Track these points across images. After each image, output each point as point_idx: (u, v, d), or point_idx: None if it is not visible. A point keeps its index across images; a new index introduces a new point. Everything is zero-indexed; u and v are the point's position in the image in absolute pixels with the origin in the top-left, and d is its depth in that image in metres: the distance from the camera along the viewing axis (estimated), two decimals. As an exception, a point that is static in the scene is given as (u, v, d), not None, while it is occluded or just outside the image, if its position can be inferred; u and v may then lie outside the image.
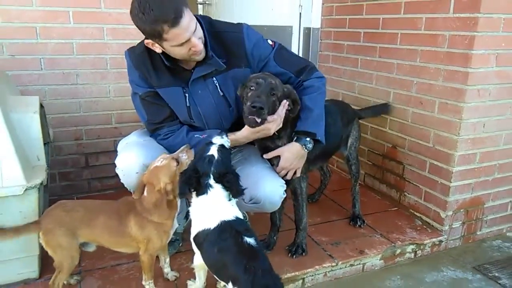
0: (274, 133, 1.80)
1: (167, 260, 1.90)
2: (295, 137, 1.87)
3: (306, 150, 1.86)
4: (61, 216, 1.61)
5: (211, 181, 1.52)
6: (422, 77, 2.37)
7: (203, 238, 1.53)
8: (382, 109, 2.65)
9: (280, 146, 1.87)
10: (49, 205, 1.74)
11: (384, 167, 2.77)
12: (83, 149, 2.71)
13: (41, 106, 2.00)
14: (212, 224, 1.51)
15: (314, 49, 3.29)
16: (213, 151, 1.55)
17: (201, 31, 1.68)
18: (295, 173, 1.93)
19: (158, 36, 1.58)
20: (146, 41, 1.67)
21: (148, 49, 1.74)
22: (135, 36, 2.43)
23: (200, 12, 4.09)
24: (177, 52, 1.64)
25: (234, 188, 1.53)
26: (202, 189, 1.53)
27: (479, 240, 2.53)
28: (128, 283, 1.88)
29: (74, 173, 2.73)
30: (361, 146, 2.91)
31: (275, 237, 2.19)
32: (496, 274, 2.20)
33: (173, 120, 1.89)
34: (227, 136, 1.64)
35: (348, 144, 2.35)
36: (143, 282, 1.76)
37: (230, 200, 1.55)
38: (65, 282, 1.71)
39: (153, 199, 1.60)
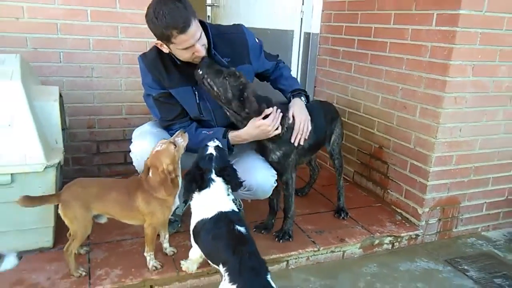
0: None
1: (167, 236, 2.13)
2: (292, 96, 2.18)
3: (304, 102, 2.17)
4: (78, 191, 1.85)
5: (213, 175, 1.75)
6: (407, 83, 2.58)
7: (200, 227, 1.74)
8: None
9: (275, 145, 2.11)
10: (61, 186, 1.98)
11: (371, 166, 2.98)
12: (95, 137, 2.96)
13: (60, 95, 2.25)
14: (210, 214, 1.71)
15: (313, 53, 3.51)
16: (211, 150, 1.78)
17: (205, 39, 1.92)
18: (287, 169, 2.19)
19: (167, 39, 1.81)
20: (156, 41, 1.91)
21: (159, 54, 1.98)
22: (146, 35, 2.72)
23: (209, 14, 4.33)
24: (182, 55, 1.88)
25: (234, 181, 1.77)
26: (205, 184, 1.75)
27: (455, 237, 2.73)
28: (131, 256, 2.12)
29: (86, 158, 2.98)
30: (351, 145, 3.14)
31: (273, 220, 2.43)
32: (466, 267, 2.40)
33: (184, 117, 2.12)
34: (224, 137, 1.93)
35: (331, 140, 2.56)
36: (145, 253, 1.99)
37: (228, 195, 1.77)
38: (76, 252, 1.95)
39: (158, 179, 1.83)
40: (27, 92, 1.99)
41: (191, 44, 1.82)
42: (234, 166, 1.87)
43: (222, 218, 1.70)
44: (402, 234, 2.53)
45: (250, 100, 1.92)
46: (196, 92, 2.05)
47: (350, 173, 3.21)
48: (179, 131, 1.94)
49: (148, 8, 1.81)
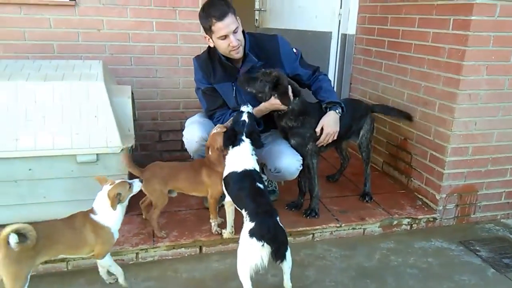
0: (285, 113, 2.48)
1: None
2: (327, 108, 2.55)
3: (338, 114, 2.54)
4: (156, 171, 2.37)
5: (243, 137, 2.23)
6: (428, 81, 2.85)
7: (230, 178, 2.21)
8: (400, 115, 3.07)
9: (292, 126, 2.52)
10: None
11: (397, 156, 3.28)
12: (158, 127, 3.53)
13: (132, 93, 2.81)
14: (238, 169, 2.18)
15: (349, 52, 3.83)
16: (245, 117, 2.26)
17: (241, 36, 2.37)
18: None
19: (209, 29, 2.30)
20: (204, 36, 2.39)
21: (209, 56, 2.49)
22: (200, 41, 3.23)
23: (257, 17, 4.77)
24: (220, 45, 2.35)
25: (257, 143, 2.25)
26: (237, 142, 2.23)
27: (473, 222, 2.97)
28: (185, 223, 2.63)
29: (150, 145, 3.56)
30: (380, 137, 3.45)
31: (302, 200, 2.84)
32: (477, 248, 2.66)
33: (224, 108, 2.60)
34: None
35: (360, 135, 2.90)
36: (210, 220, 2.49)
37: (252, 154, 2.23)
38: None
39: (214, 155, 2.34)
40: (108, 90, 2.56)
41: (226, 33, 2.27)
42: (267, 152, 2.36)
43: (246, 174, 2.16)
44: (420, 217, 2.83)
45: (284, 86, 2.39)
46: (234, 87, 2.53)
47: (380, 163, 3.53)
48: (230, 119, 2.43)
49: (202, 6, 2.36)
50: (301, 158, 2.54)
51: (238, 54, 2.40)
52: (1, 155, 2.34)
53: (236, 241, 2.45)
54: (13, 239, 1.64)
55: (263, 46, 2.52)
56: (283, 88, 2.39)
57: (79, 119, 2.47)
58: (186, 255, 2.46)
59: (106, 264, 2.07)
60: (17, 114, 2.40)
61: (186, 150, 2.64)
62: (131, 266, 2.36)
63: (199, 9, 2.93)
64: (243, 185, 2.12)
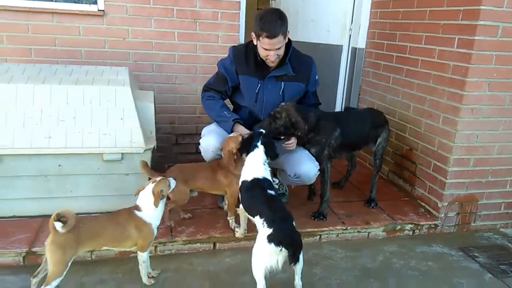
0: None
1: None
2: None
3: None
4: (177, 172, 2.56)
5: (258, 143, 2.38)
6: (433, 95, 3.02)
7: (242, 187, 2.37)
8: None
9: (310, 136, 2.73)
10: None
11: (403, 165, 3.44)
12: (175, 131, 3.73)
13: (154, 97, 3.01)
14: (248, 178, 2.33)
15: (358, 65, 4.01)
16: (262, 130, 2.45)
17: (282, 52, 2.59)
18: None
19: (258, 36, 2.52)
20: (252, 34, 2.58)
21: (246, 50, 2.69)
22: (217, 51, 3.43)
23: (271, 29, 4.97)
24: (261, 51, 2.57)
25: (271, 151, 2.39)
26: (251, 148, 2.38)
27: (473, 230, 3.11)
28: (201, 220, 2.78)
29: (167, 147, 3.75)
30: (387, 147, 3.60)
31: (311, 199, 3.10)
32: (476, 254, 2.80)
33: (218, 92, 2.75)
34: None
35: (377, 142, 3.07)
36: (228, 218, 2.68)
37: (265, 164, 2.37)
38: (181, 216, 2.67)
39: (226, 158, 2.52)
40: (133, 95, 2.76)
41: (269, 48, 2.51)
42: (286, 159, 2.60)
43: (255, 183, 2.30)
44: (422, 223, 2.98)
45: (300, 127, 2.63)
46: (259, 85, 2.70)
47: (385, 171, 3.68)
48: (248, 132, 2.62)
49: (261, 11, 2.57)
50: (318, 164, 2.72)
51: (272, 64, 2.64)
52: (35, 152, 2.55)
53: (247, 239, 2.65)
54: (58, 225, 1.85)
55: (300, 61, 2.75)
56: (299, 125, 2.62)
57: (107, 120, 2.67)
58: (201, 250, 2.64)
59: (144, 258, 2.21)
60: (51, 115, 2.60)
61: (200, 153, 2.82)
62: (150, 258, 2.51)
63: (217, 21, 3.23)
64: (254, 193, 2.26)
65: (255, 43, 2.61)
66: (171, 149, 3.77)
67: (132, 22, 3.37)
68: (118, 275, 2.35)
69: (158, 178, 2.20)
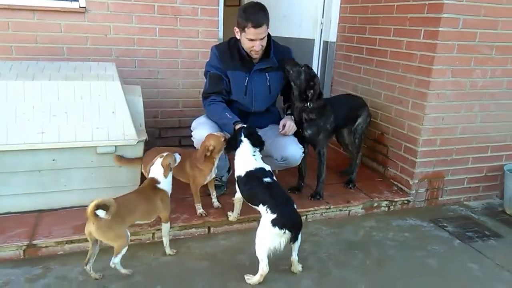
0: (308, 108, 2.95)
1: (214, 194, 2.94)
2: (289, 115, 2.99)
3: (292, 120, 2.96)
4: (154, 155, 2.61)
5: (242, 137, 2.51)
6: (402, 83, 3.30)
7: (239, 181, 2.51)
8: None
9: (311, 118, 2.95)
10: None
11: (376, 149, 3.71)
12: (158, 125, 3.82)
13: (141, 92, 3.10)
14: (242, 173, 2.47)
15: (330, 58, 4.26)
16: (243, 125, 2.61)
17: (265, 42, 2.76)
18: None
19: (242, 28, 2.68)
20: (235, 29, 2.74)
21: (229, 46, 2.84)
22: (198, 46, 3.56)
23: (244, 24, 5.13)
24: (245, 43, 2.74)
25: (256, 141, 2.52)
26: (237, 144, 2.52)
27: (441, 204, 3.44)
28: (193, 208, 2.91)
29: (151, 141, 3.75)
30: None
31: (302, 184, 3.25)
32: (445, 224, 3.11)
33: (218, 95, 2.87)
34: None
35: (356, 123, 3.32)
36: (195, 204, 2.82)
37: (254, 155, 2.50)
38: None
39: (200, 152, 2.63)
40: (123, 90, 2.84)
41: (255, 38, 2.68)
42: (272, 145, 2.76)
43: (250, 176, 2.44)
44: (396, 199, 3.26)
45: (315, 89, 2.87)
46: (247, 78, 2.86)
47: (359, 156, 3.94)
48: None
49: (243, 5, 2.76)
50: (302, 146, 2.92)
51: (256, 55, 2.80)
52: (28, 147, 2.58)
53: (239, 222, 2.82)
54: (102, 214, 2.02)
55: (280, 52, 2.94)
56: (315, 86, 2.87)
57: (98, 114, 2.74)
58: (196, 234, 2.78)
59: (168, 228, 2.49)
60: (43, 110, 2.65)
61: (185, 146, 2.94)
62: (148, 245, 2.64)
63: (197, 17, 3.37)
64: (252, 185, 2.40)
65: (238, 37, 2.76)
66: (154, 143, 3.83)
67: (113, 19, 3.43)
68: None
69: (165, 154, 2.44)
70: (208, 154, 2.63)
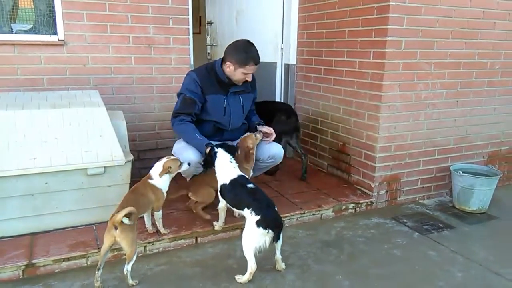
0: None
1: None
2: (260, 125, 3.36)
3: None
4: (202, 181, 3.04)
5: (216, 149, 2.82)
6: (358, 98, 3.74)
7: (224, 189, 2.78)
8: None
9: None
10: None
11: (339, 158, 4.11)
12: (136, 147, 4.01)
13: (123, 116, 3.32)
14: (226, 181, 2.74)
15: (292, 79, 4.67)
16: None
17: None
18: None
19: (242, 64, 2.98)
20: (228, 63, 3.00)
21: (207, 72, 3.11)
22: (171, 72, 3.84)
23: (209, 51, 5.48)
24: (239, 76, 3.04)
25: (229, 148, 2.85)
26: (214, 157, 2.80)
27: (399, 203, 3.86)
28: (180, 220, 3.13)
29: (130, 163, 4.01)
30: (324, 145, 4.28)
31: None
32: (405, 220, 3.52)
33: (188, 116, 3.09)
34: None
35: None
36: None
37: (231, 162, 2.79)
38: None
39: (242, 155, 2.98)
40: (109, 115, 3.06)
41: (251, 72, 3.03)
42: (257, 149, 3.14)
43: (235, 183, 2.71)
44: (361, 201, 3.65)
45: None
46: (225, 100, 3.16)
47: (325, 166, 4.34)
48: (258, 134, 3.13)
49: (238, 44, 3.05)
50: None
51: (240, 83, 3.13)
52: (22, 172, 2.73)
53: (224, 230, 3.07)
54: (126, 220, 2.29)
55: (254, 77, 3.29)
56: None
57: (87, 138, 2.94)
58: (185, 245, 2.99)
59: (160, 215, 2.87)
60: (34, 137, 2.81)
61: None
62: (141, 257, 2.81)
63: (170, 46, 3.64)
64: (237, 191, 2.67)
65: (230, 69, 3.01)
66: (133, 165, 4.01)
67: (91, 50, 3.64)
68: (115, 275, 2.62)
69: (172, 157, 2.77)
70: (251, 152, 3.03)
